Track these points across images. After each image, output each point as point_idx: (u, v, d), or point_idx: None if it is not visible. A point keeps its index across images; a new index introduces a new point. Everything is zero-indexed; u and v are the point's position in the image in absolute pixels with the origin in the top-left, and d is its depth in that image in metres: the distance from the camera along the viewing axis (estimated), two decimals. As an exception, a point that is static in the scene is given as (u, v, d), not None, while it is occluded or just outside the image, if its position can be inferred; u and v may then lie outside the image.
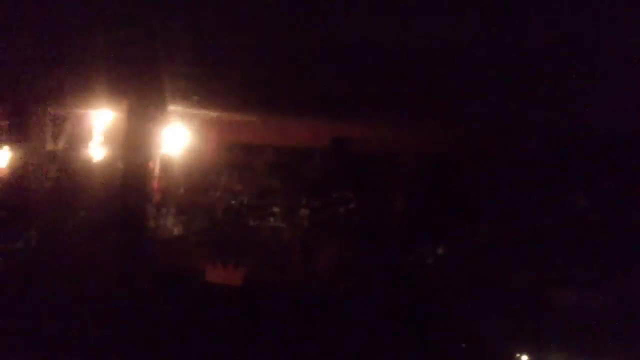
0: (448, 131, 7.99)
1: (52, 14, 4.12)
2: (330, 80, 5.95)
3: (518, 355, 6.93)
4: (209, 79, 6.27)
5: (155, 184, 8.62)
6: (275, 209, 9.16)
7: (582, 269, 7.38)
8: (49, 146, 7.32)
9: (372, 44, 4.43)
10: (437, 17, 3.71)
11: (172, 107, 8.02)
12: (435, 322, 7.26)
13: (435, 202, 8.20)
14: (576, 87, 5.22)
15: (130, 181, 7.53)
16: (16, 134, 7.04)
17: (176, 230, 9.19)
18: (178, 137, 9.01)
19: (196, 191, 9.34)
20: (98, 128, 7.56)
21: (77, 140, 7.36)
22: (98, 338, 6.44)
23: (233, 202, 9.36)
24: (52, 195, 7.36)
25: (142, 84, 6.33)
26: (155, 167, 8.55)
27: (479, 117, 7.05)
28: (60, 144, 7.28)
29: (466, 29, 3.92)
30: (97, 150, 7.58)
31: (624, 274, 7.24)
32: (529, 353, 6.89)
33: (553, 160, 7.63)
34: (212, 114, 8.99)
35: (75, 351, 6.24)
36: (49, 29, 4.37)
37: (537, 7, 3.37)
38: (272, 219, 9.17)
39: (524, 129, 7.51)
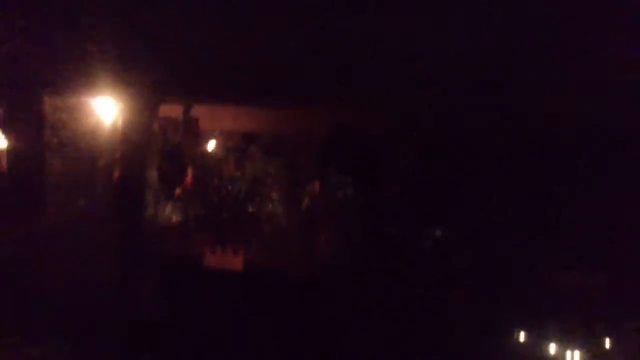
0: (448, 120, 8.01)
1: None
2: (326, 69, 5.96)
3: (517, 332, 7.03)
4: (205, 69, 6.28)
5: (154, 173, 8.65)
6: (274, 195, 9.21)
7: (583, 251, 7.46)
8: (47, 137, 7.30)
9: (366, 37, 4.45)
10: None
11: (169, 97, 8.02)
12: (433, 305, 7.36)
13: (434, 189, 8.25)
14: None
15: (129, 170, 7.57)
16: (13, 125, 6.99)
17: (174, 218, 9.23)
18: (175, 126, 9.03)
19: (194, 178, 9.37)
20: (96, 118, 7.54)
21: (75, 130, 7.34)
22: (98, 327, 6.50)
23: (230, 187, 9.39)
24: (51, 187, 7.38)
25: (141, 75, 6.33)
26: (155, 157, 8.57)
27: (482, 106, 7.08)
28: (58, 134, 7.27)
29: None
30: (94, 140, 7.57)
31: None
32: (528, 330, 7.00)
33: (558, 150, 7.70)
34: (210, 103, 8.99)
35: (77, 340, 6.29)
36: (47, 17, 4.37)
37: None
38: (270, 205, 9.21)
39: (531, 120, 7.54)
